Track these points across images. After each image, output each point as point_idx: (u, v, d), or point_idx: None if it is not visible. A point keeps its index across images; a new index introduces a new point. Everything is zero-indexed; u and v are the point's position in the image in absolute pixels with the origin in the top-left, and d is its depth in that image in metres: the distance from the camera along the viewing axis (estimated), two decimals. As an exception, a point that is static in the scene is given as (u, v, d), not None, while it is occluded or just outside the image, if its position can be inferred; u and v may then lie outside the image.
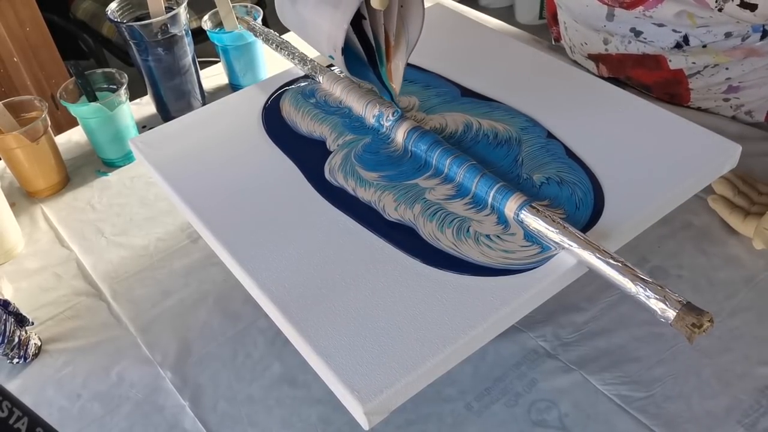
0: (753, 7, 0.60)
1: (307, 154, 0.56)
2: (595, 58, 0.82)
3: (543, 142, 0.55)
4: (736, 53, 0.70)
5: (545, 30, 0.97)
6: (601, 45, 0.79)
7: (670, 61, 0.74)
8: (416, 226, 0.49)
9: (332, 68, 0.65)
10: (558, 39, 0.93)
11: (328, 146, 0.57)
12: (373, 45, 0.54)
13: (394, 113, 0.55)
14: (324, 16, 0.51)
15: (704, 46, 0.69)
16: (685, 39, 0.69)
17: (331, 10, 0.50)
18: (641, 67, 0.77)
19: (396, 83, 0.55)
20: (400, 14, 0.53)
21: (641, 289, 0.41)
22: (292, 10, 0.55)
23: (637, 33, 0.72)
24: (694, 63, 0.73)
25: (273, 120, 0.61)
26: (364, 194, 0.52)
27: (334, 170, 0.54)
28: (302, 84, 0.65)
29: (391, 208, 0.50)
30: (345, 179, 0.53)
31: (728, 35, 0.67)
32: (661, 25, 0.69)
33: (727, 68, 0.72)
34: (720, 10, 0.62)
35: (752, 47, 0.69)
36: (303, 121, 0.60)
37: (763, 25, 0.66)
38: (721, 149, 0.52)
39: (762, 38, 0.68)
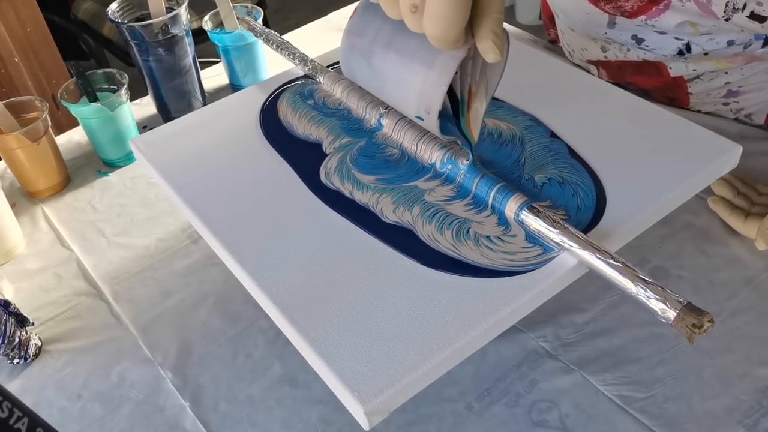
0: (762, 19, 0.59)
1: (303, 157, 0.56)
2: (595, 63, 0.82)
3: (547, 141, 0.55)
4: (737, 59, 0.70)
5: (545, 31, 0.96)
6: (599, 52, 0.79)
7: (670, 68, 0.74)
8: (415, 228, 0.49)
9: (332, 68, 0.65)
10: (555, 41, 0.93)
11: (324, 149, 0.57)
12: (459, 97, 0.50)
13: (468, 158, 0.51)
14: (415, 74, 0.45)
15: (706, 54, 0.69)
16: (687, 47, 0.69)
17: (424, 69, 0.44)
18: (641, 74, 0.77)
19: (475, 129, 0.50)
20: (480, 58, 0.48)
21: (642, 290, 0.41)
22: (366, 65, 0.49)
23: (639, 40, 0.72)
24: (694, 70, 0.72)
25: (270, 122, 0.61)
26: (362, 197, 0.52)
27: (329, 173, 0.54)
28: (300, 83, 0.65)
29: (389, 211, 0.50)
30: (341, 182, 0.53)
31: (731, 43, 0.67)
32: (663, 33, 0.69)
33: (726, 73, 0.72)
34: (727, 20, 0.61)
35: (753, 54, 0.69)
36: (300, 123, 0.60)
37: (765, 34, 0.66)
38: (721, 149, 0.52)
39: (764, 45, 0.67)
